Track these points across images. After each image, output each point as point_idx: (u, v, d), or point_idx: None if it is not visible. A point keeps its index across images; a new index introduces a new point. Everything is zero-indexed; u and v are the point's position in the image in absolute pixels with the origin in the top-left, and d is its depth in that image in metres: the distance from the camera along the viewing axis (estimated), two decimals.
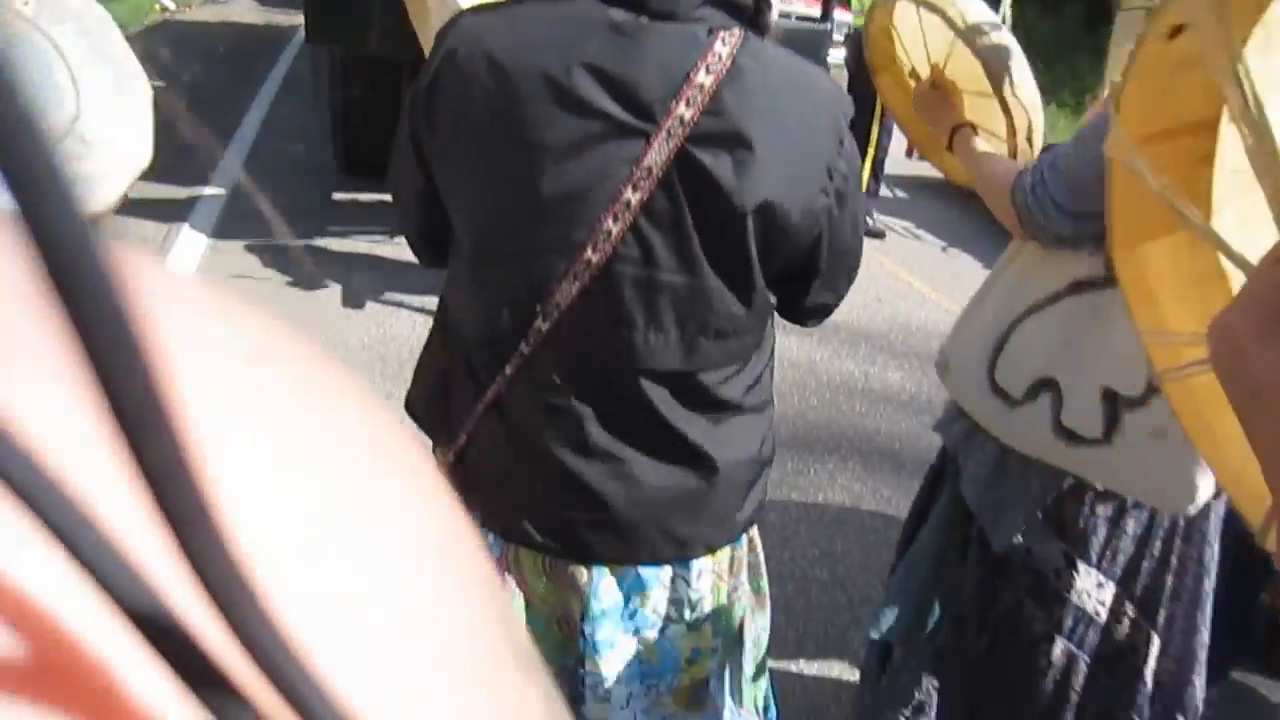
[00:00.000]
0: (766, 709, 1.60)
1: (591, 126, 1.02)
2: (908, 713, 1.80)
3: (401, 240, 4.92)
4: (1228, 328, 0.48)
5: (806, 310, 1.26)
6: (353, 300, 4.19)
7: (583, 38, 1.02)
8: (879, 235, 5.64)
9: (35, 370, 0.13)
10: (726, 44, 1.03)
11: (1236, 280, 0.68)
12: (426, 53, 1.32)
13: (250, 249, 4.71)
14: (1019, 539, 1.59)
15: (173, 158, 5.96)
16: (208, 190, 5.54)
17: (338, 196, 5.62)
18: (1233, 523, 1.59)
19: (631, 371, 1.11)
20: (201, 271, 4.44)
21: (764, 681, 1.54)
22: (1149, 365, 1.34)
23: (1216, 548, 1.59)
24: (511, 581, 1.24)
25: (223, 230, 4.96)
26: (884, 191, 6.39)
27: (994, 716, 1.73)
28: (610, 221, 1.03)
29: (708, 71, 1.01)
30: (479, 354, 1.16)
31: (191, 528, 0.12)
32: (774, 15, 4.36)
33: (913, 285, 4.94)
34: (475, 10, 1.12)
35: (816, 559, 2.77)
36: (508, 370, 1.11)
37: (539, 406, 1.14)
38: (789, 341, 4.03)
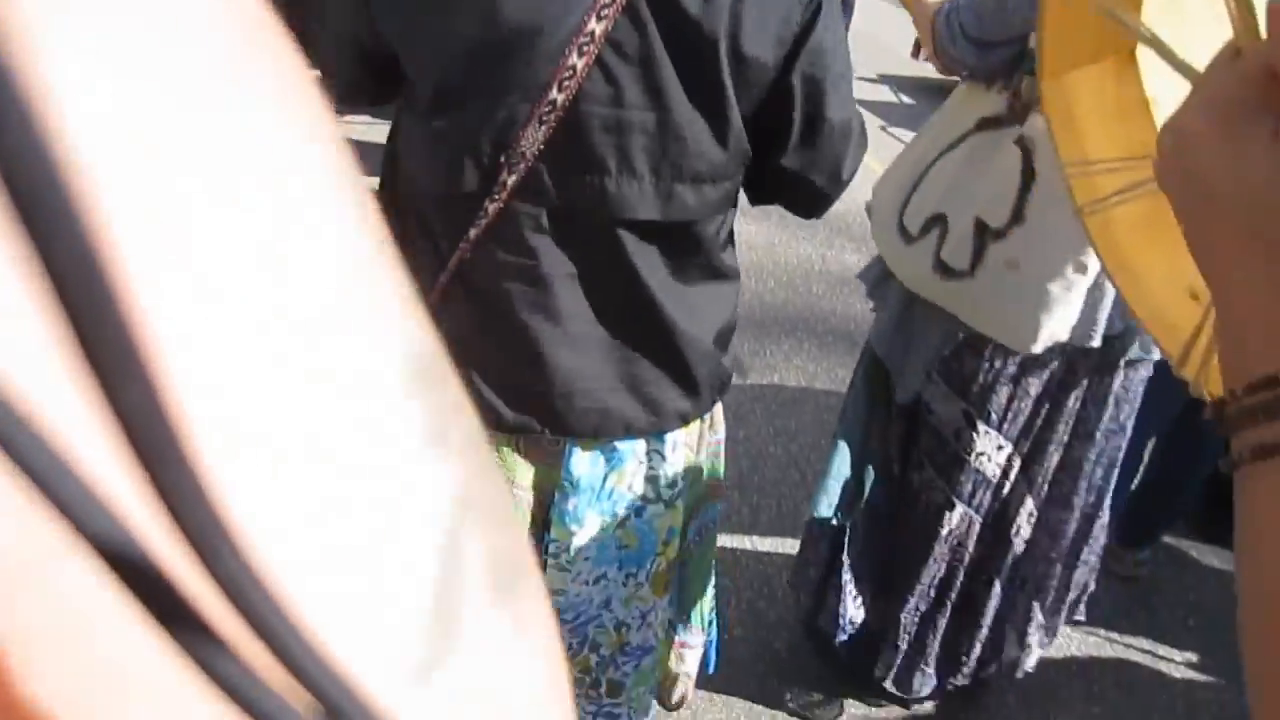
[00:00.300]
0: (710, 625, 1.58)
1: None
2: (823, 571, 1.86)
3: (349, 119, 4.80)
4: (1180, 129, 0.45)
5: (773, 173, 1.17)
6: None
7: None
8: None
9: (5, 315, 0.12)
10: None
11: (1161, 109, 0.66)
12: None
13: None
14: (924, 398, 1.61)
15: None
16: None
17: None
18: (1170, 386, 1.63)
19: (605, 223, 1.04)
20: None
21: (710, 591, 1.51)
22: (1018, 198, 1.35)
23: (1131, 416, 1.63)
24: None
25: None
26: (888, 95, 6.27)
27: (897, 578, 1.79)
28: (574, 56, 0.96)
29: None
30: (438, 215, 1.08)
31: (163, 464, 0.12)
32: None
33: (872, 168, 4.89)
34: None
35: (771, 437, 2.80)
36: (472, 232, 1.04)
37: (507, 270, 1.07)
38: (747, 226, 4.00)
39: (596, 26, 0.95)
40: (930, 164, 1.48)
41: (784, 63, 1.05)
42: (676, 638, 1.45)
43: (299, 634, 0.14)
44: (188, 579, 0.13)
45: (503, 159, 1.00)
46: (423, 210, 1.10)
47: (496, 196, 1.01)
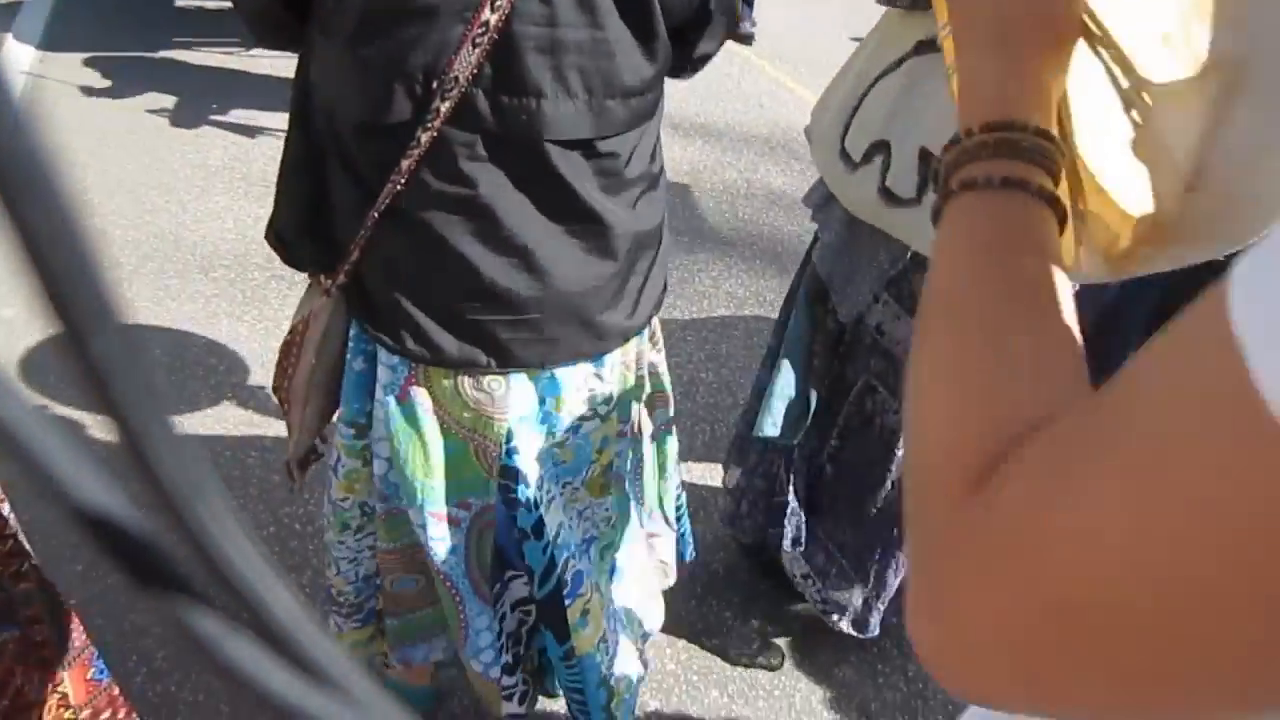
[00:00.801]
0: (679, 519, 1.63)
1: None
2: (768, 489, 1.87)
3: (257, 53, 4.58)
4: None
5: (693, 61, 1.19)
6: (206, 118, 3.89)
7: None
8: (747, 40, 5.47)
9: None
10: None
11: None
12: None
13: (87, 62, 4.30)
14: (871, 319, 1.60)
15: None
16: None
17: (181, 3, 5.14)
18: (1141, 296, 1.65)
19: (539, 145, 1.02)
20: (34, 87, 4.05)
21: (673, 487, 1.56)
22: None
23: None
24: (424, 403, 1.16)
25: (52, 40, 4.50)
26: None
27: (842, 509, 1.78)
28: None
29: None
30: (365, 149, 1.04)
31: (145, 427, 0.12)
32: None
33: (795, 91, 4.87)
34: None
35: (703, 362, 2.82)
36: (404, 163, 1.00)
37: (443, 199, 1.04)
38: (673, 150, 3.96)
39: None
40: (869, 87, 1.45)
41: None
42: (643, 529, 1.49)
43: (267, 581, 0.14)
44: (167, 540, 0.13)
45: (435, 85, 0.96)
46: (344, 142, 1.05)
47: (429, 125, 0.98)
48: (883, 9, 1.48)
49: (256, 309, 2.80)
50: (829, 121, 1.52)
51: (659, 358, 1.41)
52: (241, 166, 3.57)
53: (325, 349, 1.22)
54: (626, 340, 1.24)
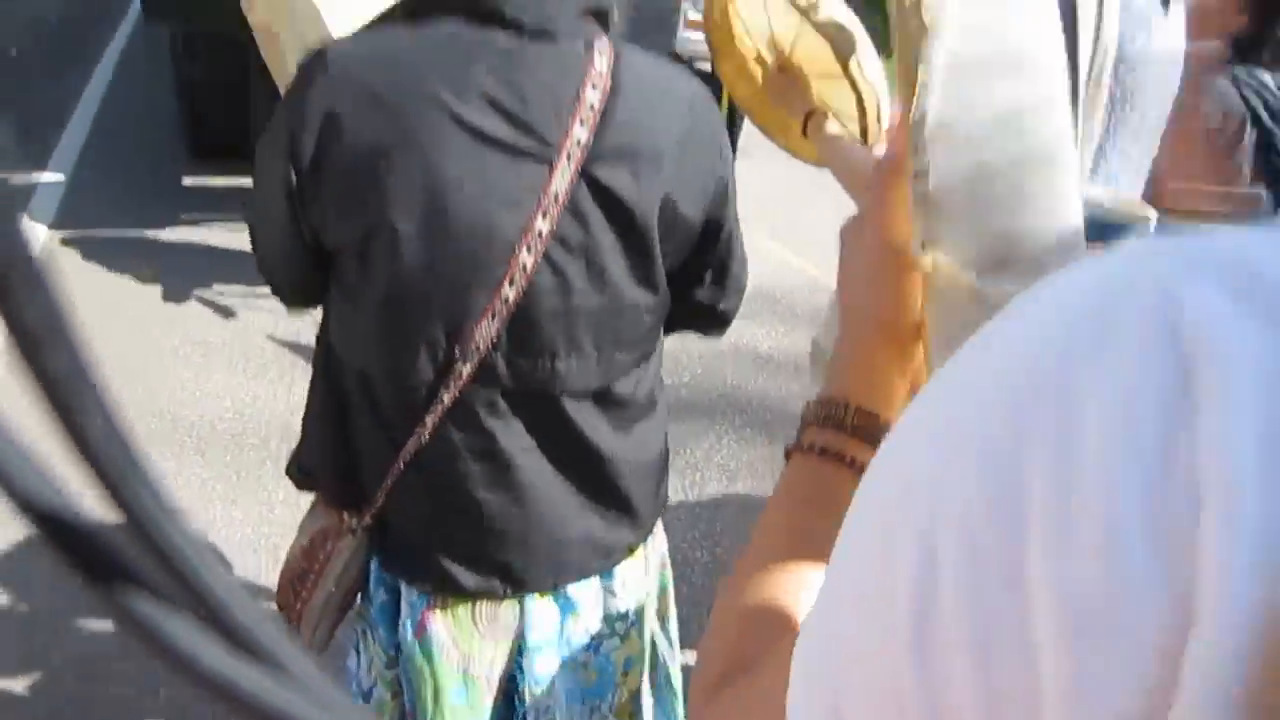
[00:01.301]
0: None
1: (491, 157, 1.00)
2: None
3: None
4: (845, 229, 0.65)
5: (702, 310, 1.26)
6: (209, 294, 4.00)
7: (471, 65, 1.00)
8: None
9: None
10: (604, 56, 1.04)
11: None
12: (282, 83, 1.26)
13: (96, 241, 4.45)
14: None
15: (4, 141, 5.60)
16: (45, 176, 5.20)
17: (188, 182, 5.35)
18: None
19: (554, 398, 1.10)
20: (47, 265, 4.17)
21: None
22: None
23: None
24: (442, 638, 1.19)
25: (64, 220, 4.67)
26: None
27: None
28: (524, 253, 1.01)
29: (594, 88, 1.02)
30: (392, 404, 1.10)
31: (84, 415, 0.14)
32: None
33: (774, 250, 5.00)
34: (342, 40, 1.07)
35: (696, 541, 2.82)
36: (428, 419, 1.07)
37: (463, 451, 1.10)
38: None
39: (543, 225, 1.01)
40: None
41: (705, 216, 1.14)
42: None
43: (212, 569, 0.15)
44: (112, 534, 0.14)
45: (457, 351, 1.03)
46: (369, 396, 1.12)
47: (452, 386, 1.05)
48: None
49: (251, 493, 2.82)
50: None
51: (662, 551, 1.43)
52: (241, 344, 3.65)
53: (344, 578, 1.25)
54: (633, 551, 1.28)
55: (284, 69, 1.26)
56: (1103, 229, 1.22)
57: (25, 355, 0.13)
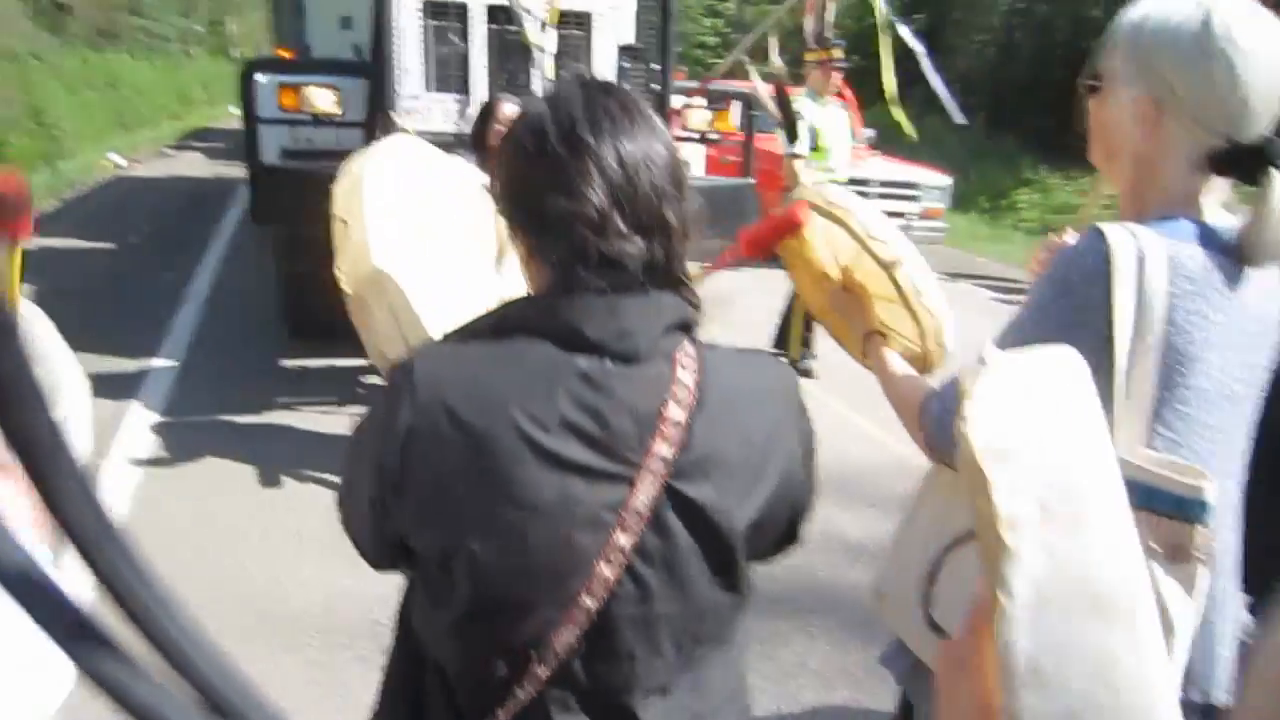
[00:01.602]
0: None
1: (573, 481, 1.00)
2: None
3: (351, 411, 4.90)
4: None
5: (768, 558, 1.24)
6: (304, 479, 4.15)
7: (551, 391, 1.00)
8: (808, 374, 5.71)
9: None
10: (688, 369, 1.04)
11: None
12: (371, 350, 1.34)
13: (203, 425, 4.68)
14: None
15: (123, 328, 6.00)
16: (157, 362, 5.54)
17: (285, 363, 5.63)
18: None
19: (629, 694, 1.08)
20: (154, 452, 4.40)
21: None
22: None
23: None
24: None
25: (175, 406, 4.93)
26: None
27: None
28: (604, 567, 1.00)
29: (678, 404, 1.02)
30: (467, 696, 1.09)
31: (57, 480, 0.13)
32: (692, 169, 4.42)
33: (859, 424, 4.95)
34: (429, 351, 1.10)
35: None
36: (500, 713, 1.05)
37: None
38: None
39: (624, 541, 1.00)
40: (944, 552, 1.42)
41: (790, 511, 1.14)
42: None
43: (186, 629, 0.15)
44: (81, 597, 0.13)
45: (535, 656, 1.02)
46: (449, 685, 1.11)
47: (528, 687, 1.04)
48: None
49: (338, 694, 2.84)
50: (905, 586, 1.48)
51: None
52: (330, 533, 3.73)
53: None
54: None
55: (372, 337, 1.33)
56: (1150, 495, 1.18)
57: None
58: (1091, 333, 1.16)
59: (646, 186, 1.01)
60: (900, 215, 9.09)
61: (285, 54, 6.23)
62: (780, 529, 1.18)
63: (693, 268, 1.14)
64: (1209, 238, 1.20)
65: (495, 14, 4.59)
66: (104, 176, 13.98)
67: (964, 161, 15.08)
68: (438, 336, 1.19)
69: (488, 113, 3.62)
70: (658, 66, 4.77)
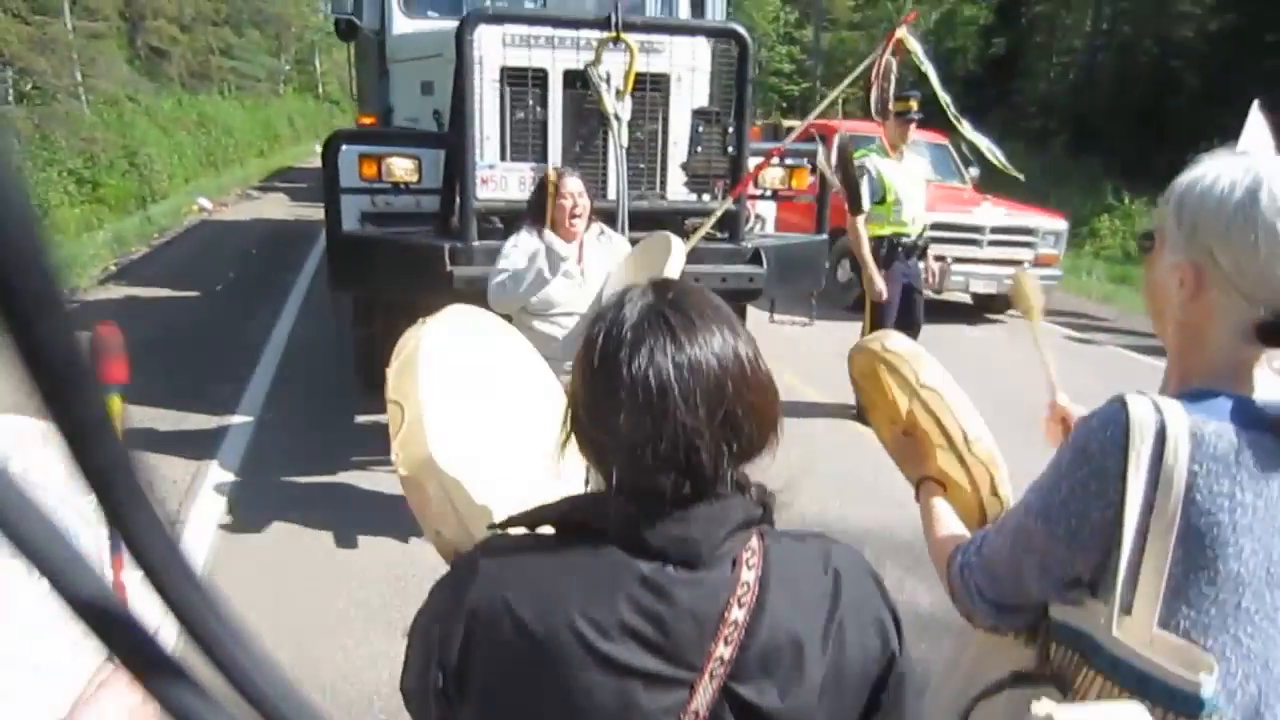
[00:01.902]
0: None
1: (633, 686, 0.98)
2: None
3: None
4: None
5: None
6: (371, 551, 4.18)
7: (613, 596, 0.99)
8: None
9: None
10: (751, 568, 1.02)
11: None
12: (426, 528, 1.31)
13: (276, 485, 4.74)
14: None
15: (205, 382, 6.16)
16: (235, 419, 5.66)
17: (360, 420, 5.70)
18: None
19: None
20: (228, 515, 4.47)
21: None
22: None
23: None
24: None
25: (250, 466, 5.01)
26: None
27: None
28: None
29: (739, 605, 1.00)
30: None
31: (132, 514, 0.14)
32: (765, 226, 4.39)
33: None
34: (492, 547, 1.09)
35: None
36: None
37: None
38: None
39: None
40: (971, 706, 1.41)
41: (867, 695, 1.07)
42: None
43: (261, 663, 0.16)
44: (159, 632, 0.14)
45: None
46: None
47: None
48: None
49: None
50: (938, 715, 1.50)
51: None
52: (399, 605, 3.74)
53: None
54: None
55: (427, 516, 1.32)
56: (1143, 680, 1.13)
57: (72, 450, 0.14)
58: (1106, 503, 1.15)
59: (681, 416, 0.97)
60: (1016, 263, 8.82)
61: (368, 120, 6.37)
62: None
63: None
64: (1250, 415, 1.14)
65: (571, 79, 4.60)
66: (191, 220, 14.49)
67: (1043, 187, 14.82)
68: (495, 518, 1.18)
69: (546, 185, 3.62)
70: (733, 128, 4.73)
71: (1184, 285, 1.18)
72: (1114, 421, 1.15)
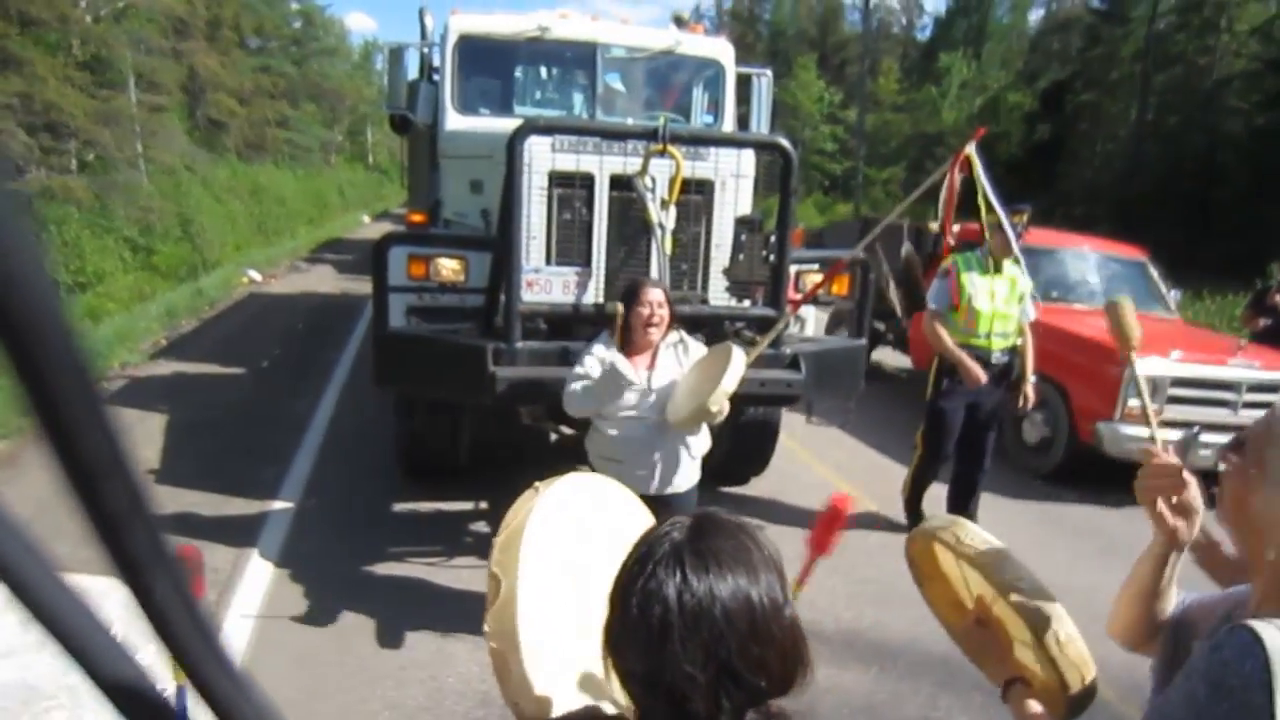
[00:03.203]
0: None
1: None
2: None
3: (458, 563, 4.93)
4: None
5: None
6: (405, 640, 4.16)
7: None
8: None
9: None
10: None
11: None
12: (506, 699, 1.34)
13: (315, 579, 4.75)
14: None
15: (248, 466, 6.23)
16: (276, 504, 5.70)
17: (398, 508, 5.72)
18: None
19: None
20: (266, 608, 4.47)
21: None
22: None
23: None
24: None
25: (290, 556, 5.02)
26: None
27: None
28: None
29: None
30: None
31: (158, 594, 0.15)
32: (806, 329, 4.38)
33: None
34: None
35: None
36: None
37: None
38: (843, 682, 3.87)
39: None
40: None
41: None
42: None
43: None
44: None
45: None
46: None
47: None
48: None
49: None
50: None
51: None
52: (431, 709, 3.71)
53: None
54: None
55: (509, 688, 1.35)
56: None
57: (102, 536, 0.15)
58: None
59: (679, 661, 0.97)
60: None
61: (418, 218, 6.52)
62: None
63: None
64: None
65: (616, 183, 4.69)
66: (240, 293, 14.81)
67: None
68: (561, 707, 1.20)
69: (632, 295, 3.69)
70: (775, 236, 4.78)
71: None
72: (1251, 654, 1.11)
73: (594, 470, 3.80)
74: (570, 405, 3.77)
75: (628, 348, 3.70)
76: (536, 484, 1.58)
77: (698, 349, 3.80)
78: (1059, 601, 1.57)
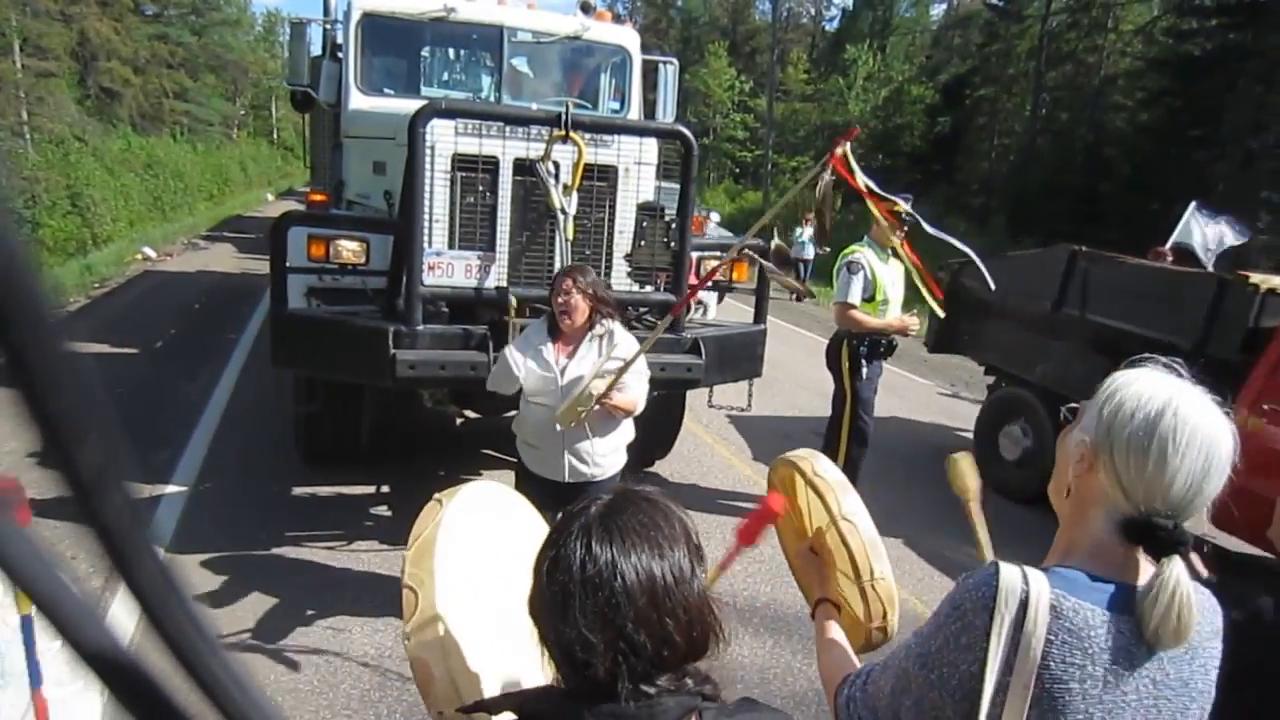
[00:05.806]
0: None
1: None
2: None
3: (358, 547, 4.87)
4: None
5: None
6: (302, 628, 4.14)
7: None
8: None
9: None
10: None
11: None
12: (429, 707, 1.38)
13: (208, 564, 4.68)
14: None
15: (139, 449, 6.05)
16: (170, 488, 5.57)
17: (296, 491, 5.66)
18: None
19: None
20: None
21: None
22: None
23: None
24: None
25: (184, 539, 4.93)
26: None
27: None
28: None
29: None
30: None
31: (140, 565, 0.13)
32: (708, 313, 4.41)
33: None
34: None
35: None
36: None
37: None
38: None
39: None
40: None
41: None
42: None
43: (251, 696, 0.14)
44: (168, 680, 0.14)
45: None
46: None
47: None
48: None
49: None
50: None
51: None
52: (325, 692, 3.70)
53: None
54: None
55: (431, 697, 1.39)
56: None
57: (79, 501, 0.14)
58: (972, 658, 1.22)
59: (580, 626, 1.02)
60: None
61: (319, 197, 6.40)
62: None
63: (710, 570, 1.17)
64: (1116, 599, 1.23)
65: (520, 167, 4.71)
66: (134, 270, 14.28)
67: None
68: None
69: (553, 282, 3.75)
70: (675, 223, 4.86)
71: (1083, 459, 1.28)
72: (986, 584, 1.24)
73: (518, 453, 3.86)
74: (488, 383, 3.87)
75: (556, 335, 3.72)
76: (438, 496, 1.61)
77: (627, 343, 3.74)
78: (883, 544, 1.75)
